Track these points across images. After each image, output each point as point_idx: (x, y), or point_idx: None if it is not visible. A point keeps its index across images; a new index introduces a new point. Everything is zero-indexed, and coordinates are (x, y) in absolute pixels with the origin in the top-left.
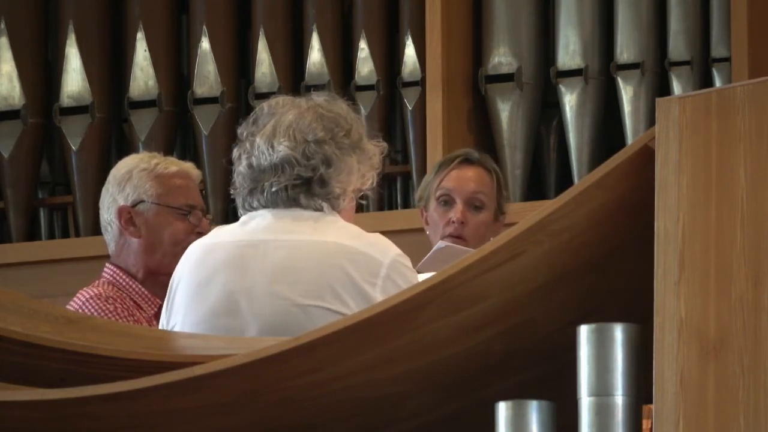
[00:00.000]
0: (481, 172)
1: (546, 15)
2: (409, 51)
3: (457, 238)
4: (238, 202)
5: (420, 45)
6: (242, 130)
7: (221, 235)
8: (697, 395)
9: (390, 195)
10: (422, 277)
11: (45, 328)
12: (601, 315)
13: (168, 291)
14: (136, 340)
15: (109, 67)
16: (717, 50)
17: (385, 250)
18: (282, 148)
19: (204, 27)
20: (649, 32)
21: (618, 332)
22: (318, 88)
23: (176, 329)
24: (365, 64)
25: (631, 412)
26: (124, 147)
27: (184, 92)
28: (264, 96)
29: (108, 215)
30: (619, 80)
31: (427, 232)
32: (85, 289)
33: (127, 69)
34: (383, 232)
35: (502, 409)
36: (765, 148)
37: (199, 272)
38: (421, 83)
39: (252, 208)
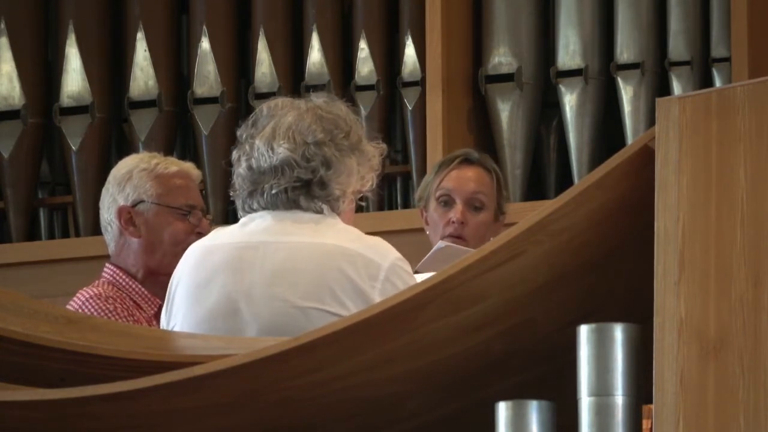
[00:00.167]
0: (481, 172)
1: (546, 15)
2: (409, 51)
3: (457, 238)
4: (238, 203)
5: (420, 45)
6: (242, 132)
7: (221, 236)
8: (697, 395)
9: (390, 195)
10: (422, 277)
11: (45, 328)
12: (601, 315)
13: (167, 292)
14: (136, 340)
15: (109, 67)
16: (717, 50)
17: (384, 253)
18: (281, 150)
19: (204, 27)
20: (649, 32)
21: (618, 332)
22: (318, 88)
23: (175, 330)
24: (365, 64)
25: (631, 412)
26: (124, 147)
27: (184, 92)
28: (264, 96)
29: (108, 215)
30: (619, 80)
31: (427, 232)
32: (85, 289)
33: (127, 69)
34: (383, 233)
35: (502, 409)
36: (765, 148)
37: (199, 273)
38: (421, 83)
39: (252, 210)
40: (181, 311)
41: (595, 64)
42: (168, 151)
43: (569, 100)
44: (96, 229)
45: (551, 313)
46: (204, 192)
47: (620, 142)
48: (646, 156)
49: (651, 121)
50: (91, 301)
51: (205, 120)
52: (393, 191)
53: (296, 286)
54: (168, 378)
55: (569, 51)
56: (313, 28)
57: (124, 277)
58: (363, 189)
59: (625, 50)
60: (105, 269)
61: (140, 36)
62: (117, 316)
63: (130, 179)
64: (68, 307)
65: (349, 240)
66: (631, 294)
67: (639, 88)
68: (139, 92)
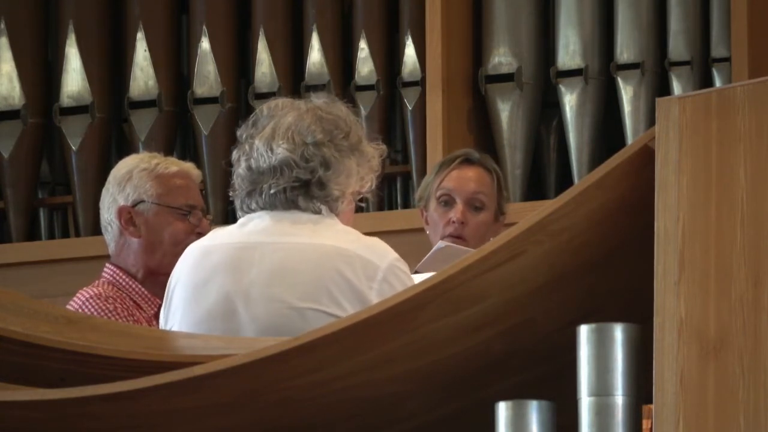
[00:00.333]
0: (482, 172)
1: (546, 15)
2: (409, 51)
3: (457, 238)
4: (237, 204)
5: (420, 45)
6: (242, 132)
7: (219, 237)
8: (697, 395)
9: (390, 195)
10: (422, 277)
11: (45, 328)
12: (601, 315)
13: (166, 292)
14: (136, 340)
15: (109, 67)
16: (717, 50)
17: (382, 253)
18: (281, 151)
19: (204, 27)
20: (649, 32)
21: (618, 332)
22: (318, 88)
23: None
24: (365, 64)
25: (631, 412)
26: (124, 147)
27: (184, 92)
28: (264, 96)
29: (108, 215)
30: (619, 80)
31: (427, 232)
32: (85, 289)
33: (127, 69)
34: (383, 233)
35: (502, 409)
36: (765, 148)
37: (197, 274)
38: (421, 83)
39: (250, 210)
40: (179, 311)
41: (595, 64)
42: (168, 151)
43: (569, 100)
44: (96, 229)
45: (551, 313)
46: (204, 192)
47: (620, 142)
48: (646, 156)
49: (651, 121)
50: (91, 301)
51: (205, 120)
52: (393, 191)
53: (293, 286)
54: (168, 378)
55: (569, 51)
56: (313, 28)
57: (124, 277)
58: (362, 190)
59: (625, 50)
60: (105, 269)
61: (140, 36)
62: (117, 316)
63: (130, 179)
64: (68, 307)
65: (347, 241)
66: (631, 294)
67: (639, 88)
68: (139, 92)
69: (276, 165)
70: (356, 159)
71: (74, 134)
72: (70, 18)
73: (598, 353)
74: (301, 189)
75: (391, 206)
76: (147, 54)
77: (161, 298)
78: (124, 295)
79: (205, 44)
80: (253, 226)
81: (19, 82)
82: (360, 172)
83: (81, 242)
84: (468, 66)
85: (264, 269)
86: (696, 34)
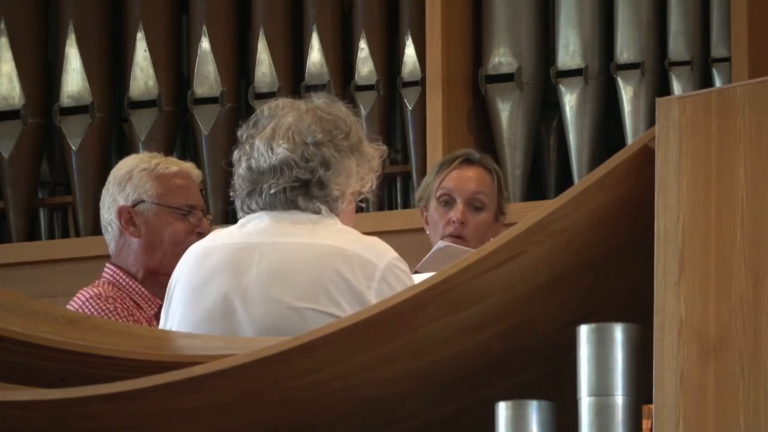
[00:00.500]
0: (482, 172)
1: (546, 15)
2: (409, 51)
3: (457, 238)
4: (237, 204)
5: (420, 45)
6: (242, 133)
7: (219, 237)
8: (697, 395)
9: (390, 195)
10: (422, 277)
11: (45, 328)
12: (601, 315)
13: (166, 293)
14: (136, 340)
15: (109, 67)
16: (717, 50)
17: (381, 253)
18: (281, 151)
19: (204, 27)
20: (649, 32)
21: (618, 332)
22: (318, 88)
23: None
24: (365, 64)
25: (631, 412)
26: (124, 147)
27: (184, 92)
28: (264, 96)
29: (108, 215)
30: (619, 80)
31: (427, 232)
32: (85, 289)
33: (127, 69)
34: (383, 233)
35: (502, 409)
36: (765, 148)
37: (197, 274)
38: (421, 83)
39: (250, 210)
40: (179, 312)
41: (595, 64)
42: (168, 151)
43: (569, 100)
44: (96, 229)
45: (551, 313)
46: (204, 192)
47: (620, 142)
48: (646, 156)
49: (651, 121)
50: (91, 301)
51: (205, 120)
52: (393, 191)
53: (292, 286)
54: (168, 378)
55: (569, 51)
56: (313, 28)
57: (124, 277)
58: (363, 190)
59: (625, 50)
60: (105, 269)
61: (140, 36)
62: (117, 316)
63: (130, 179)
64: (68, 307)
65: (346, 240)
66: (631, 294)
67: (639, 88)
68: (139, 92)
69: (276, 165)
70: (356, 159)
71: (74, 134)
72: (70, 18)
73: (598, 353)
74: (300, 189)
75: (391, 206)
76: (147, 54)
77: (161, 298)
78: (124, 295)
79: (205, 44)
80: (253, 227)
81: (19, 82)
82: (360, 172)
83: (81, 242)
84: (468, 66)
85: (263, 269)
86: (696, 34)
